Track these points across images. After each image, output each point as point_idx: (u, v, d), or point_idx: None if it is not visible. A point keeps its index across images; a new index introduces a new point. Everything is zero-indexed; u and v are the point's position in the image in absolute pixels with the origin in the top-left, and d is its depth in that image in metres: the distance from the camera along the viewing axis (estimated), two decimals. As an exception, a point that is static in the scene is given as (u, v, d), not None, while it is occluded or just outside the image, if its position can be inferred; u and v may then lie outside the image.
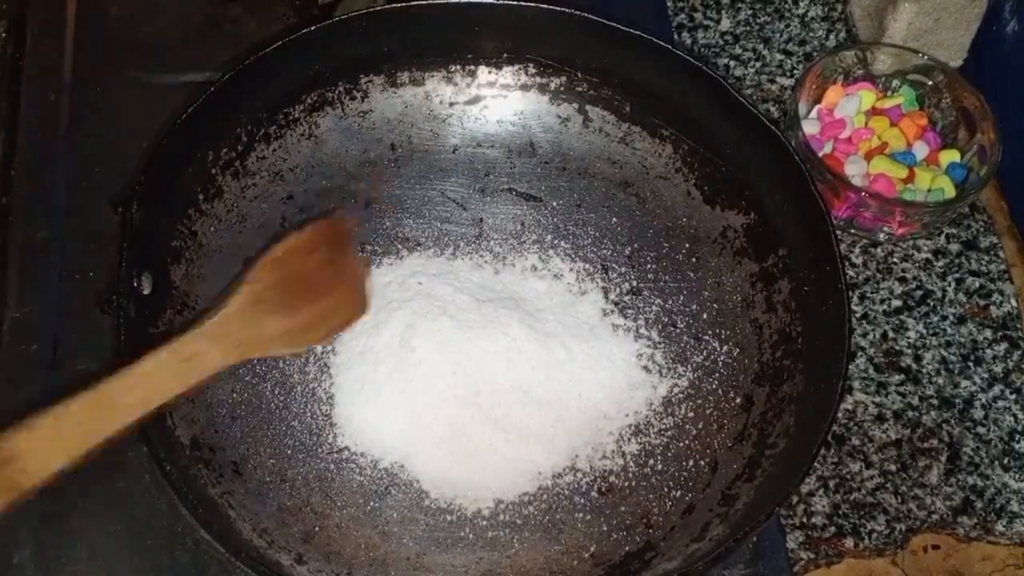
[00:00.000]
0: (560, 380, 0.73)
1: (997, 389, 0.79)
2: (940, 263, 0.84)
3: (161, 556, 0.69)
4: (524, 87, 0.82)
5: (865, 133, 0.85)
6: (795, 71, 0.92)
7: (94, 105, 0.85)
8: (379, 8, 0.80)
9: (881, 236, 0.84)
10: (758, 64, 0.93)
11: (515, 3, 0.78)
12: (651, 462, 0.72)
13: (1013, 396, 0.79)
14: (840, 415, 0.77)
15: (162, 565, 0.69)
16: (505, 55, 0.81)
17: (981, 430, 0.77)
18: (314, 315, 0.68)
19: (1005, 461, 0.76)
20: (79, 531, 0.69)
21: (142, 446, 0.63)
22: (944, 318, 0.82)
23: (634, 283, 0.77)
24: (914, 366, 0.80)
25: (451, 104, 0.82)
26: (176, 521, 0.69)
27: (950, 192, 0.82)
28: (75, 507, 0.70)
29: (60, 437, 0.56)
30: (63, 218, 0.79)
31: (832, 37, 0.94)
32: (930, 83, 0.86)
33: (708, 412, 0.73)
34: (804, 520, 0.74)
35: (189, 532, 0.68)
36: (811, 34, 0.95)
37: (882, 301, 0.82)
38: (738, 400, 0.73)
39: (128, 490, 0.70)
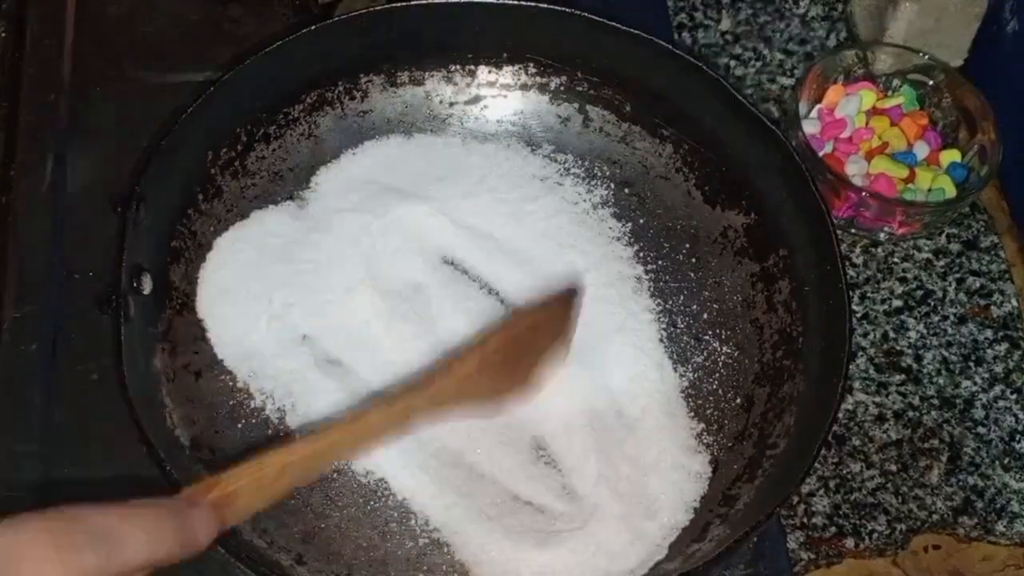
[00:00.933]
0: (559, 381, 0.73)
1: (998, 389, 0.79)
2: (941, 263, 0.84)
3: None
4: (524, 87, 0.82)
5: (865, 133, 0.85)
6: (795, 71, 0.92)
7: (94, 105, 0.85)
8: (379, 8, 0.80)
9: (882, 236, 0.84)
10: (758, 64, 0.93)
11: (515, 3, 0.78)
12: (651, 462, 0.72)
13: (1014, 396, 0.79)
14: (841, 415, 0.77)
15: (162, 565, 0.68)
16: (505, 55, 0.81)
17: (982, 430, 0.77)
18: (528, 371, 0.68)
19: (1006, 461, 0.76)
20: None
21: (142, 446, 0.62)
22: (945, 318, 0.82)
23: (634, 283, 0.77)
24: (915, 366, 0.80)
25: (451, 104, 0.82)
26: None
27: (950, 192, 0.82)
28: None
29: (277, 480, 0.54)
30: (63, 218, 0.79)
31: (832, 37, 0.94)
32: (930, 83, 0.86)
33: (708, 412, 0.73)
34: (804, 520, 0.74)
35: (189, 532, 0.68)
36: (811, 34, 0.94)
37: (883, 301, 0.82)
38: (738, 400, 0.73)
39: (128, 490, 0.70)
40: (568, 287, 0.73)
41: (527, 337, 0.67)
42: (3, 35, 0.87)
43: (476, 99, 0.82)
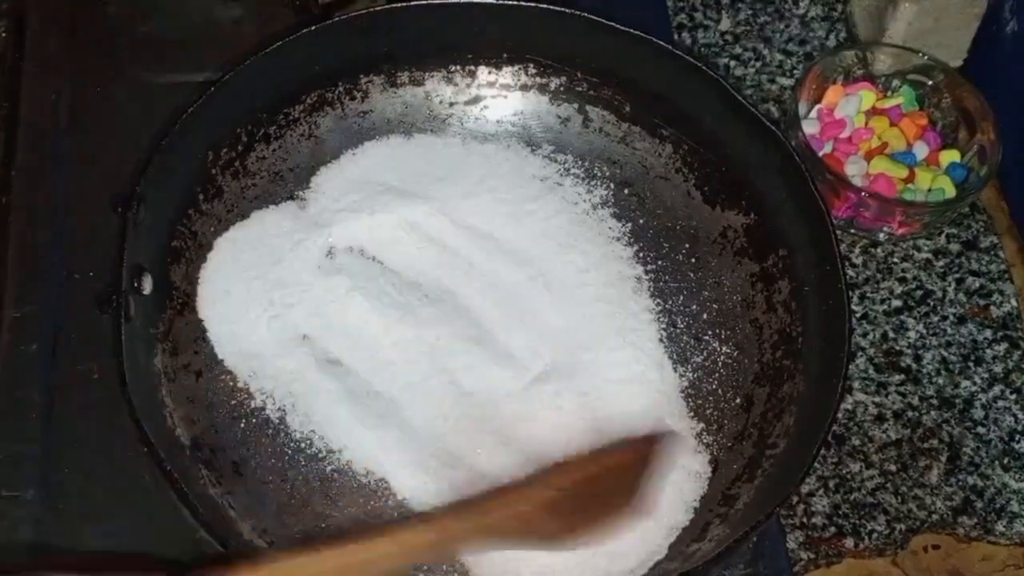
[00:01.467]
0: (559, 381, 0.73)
1: (997, 389, 0.79)
2: (940, 263, 0.84)
3: (161, 556, 0.69)
4: (524, 87, 0.82)
5: (865, 133, 0.85)
6: (795, 71, 0.92)
7: (94, 105, 0.85)
8: (379, 8, 0.80)
9: (881, 236, 0.84)
10: (758, 64, 0.93)
11: (515, 3, 0.78)
12: (651, 462, 0.72)
13: (1013, 396, 0.79)
14: (840, 415, 0.77)
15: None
16: (505, 55, 0.81)
17: (981, 430, 0.77)
18: (595, 518, 0.64)
19: (1005, 461, 0.76)
20: (79, 531, 0.69)
21: (142, 446, 0.62)
22: (944, 318, 0.82)
23: (634, 283, 0.77)
24: (914, 366, 0.80)
25: (451, 104, 0.82)
26: (176, 521, 0.69)
27: (950, 192, 0.82)
28: (75, 507, 0.70)
29: None
30: (63, 218, 0.79)
31: (832, 37, 0.94)
32: (930, 83, 0.86)
33: (708, 412, 0.73)
34: (804, 520, 0.74)
35: (189, 532, 0.68)
36: (811, 34, 0.95)
37: (882, 301, 0.82)
38: (738, 400, 0.73)
39: (128, 490, 0.70)
40: (647, 436, 0.69)
41: (598, 482, 0.64)
42: (3, 35, 0.87)
43: (476, 99, 0.82)
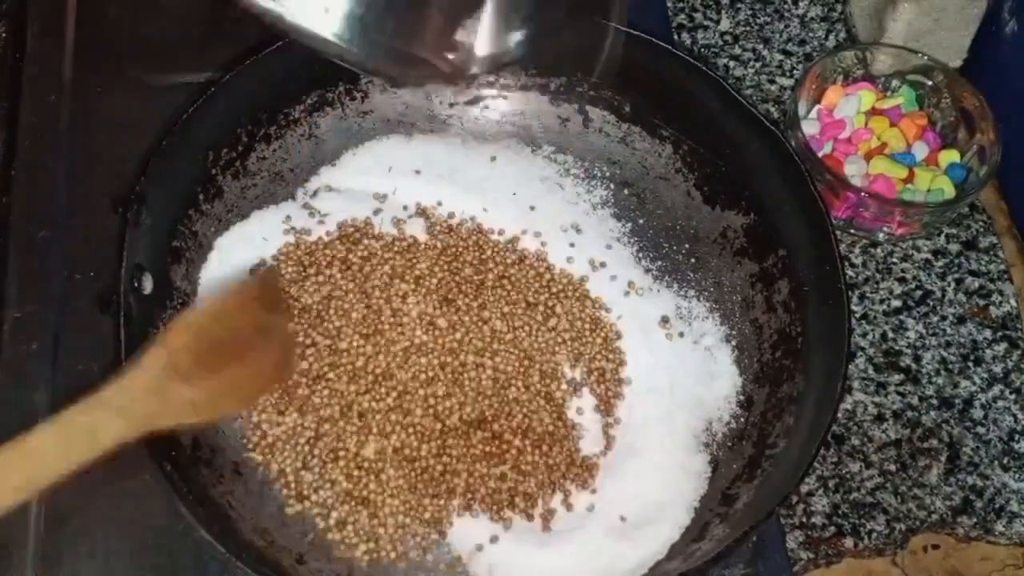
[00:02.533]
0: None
1: (997, 389, 0.79)
2: (940, 263, 0.84)
3: (161, 556, 0.69)
4: (524, 87, 0.82)
5: (865, 133, 0.85)
6: (795, 71, 0.92)
7: (94, 105, 0.85)
8: (379, 8, 0.80)
9: (881, 236, 0.84)
10: (758, 64, 0.93)
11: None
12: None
13: (1013, 396, 0.79)
14: (840, 415, 0.77)
15: (162, 565, 0.69)
16: (505, 55, 0.81)
17: (981, 430, 0.78)
18: (231, 381, 0.62)
19: (1005, 461, 0.76)
20: (79, 531, 0.69)
21: (142, 446, 0.62)
22: (944, 318, 0.82)
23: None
24: (914, 366, 0.80)
25: (451, 105, 0.82)
26: (176, 521, 0.69)
27: (950, 192, 0.82)
28: (75, 507, 0.70)
29: None
30: (63, 218, 0.79)
31: (832, 37, 0.95)
32: (930, 83, 0.86)
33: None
34: (804, 520, 0.74)
35: (189, 532, 0.68)
36: (811, 34, 0.95)
37: (882, 301, 0.82)
38: (738, 400, 0.73)
39: (128, 490, 0.70)
40: (264, 270, 0.70)
41: (219, 330, 0.62)
42: (3, 35, 0.87)
43: (476, 100, 0.82)
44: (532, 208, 0.79)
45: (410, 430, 0.70)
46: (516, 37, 0.62)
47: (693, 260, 0.78)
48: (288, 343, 0.70)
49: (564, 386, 0.73)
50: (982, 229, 0.86)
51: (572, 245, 0.78)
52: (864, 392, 0.78)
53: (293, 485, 0.68)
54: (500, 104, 0.82)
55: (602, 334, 0.75)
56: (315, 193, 0.78)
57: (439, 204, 0.79)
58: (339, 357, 0.72)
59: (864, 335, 0.81)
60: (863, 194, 0.81)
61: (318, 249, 0.76)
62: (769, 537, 0.71)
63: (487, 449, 0.70)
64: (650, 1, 0.94)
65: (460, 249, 0.77)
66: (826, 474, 0.75)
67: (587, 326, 0.75)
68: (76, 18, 0.88)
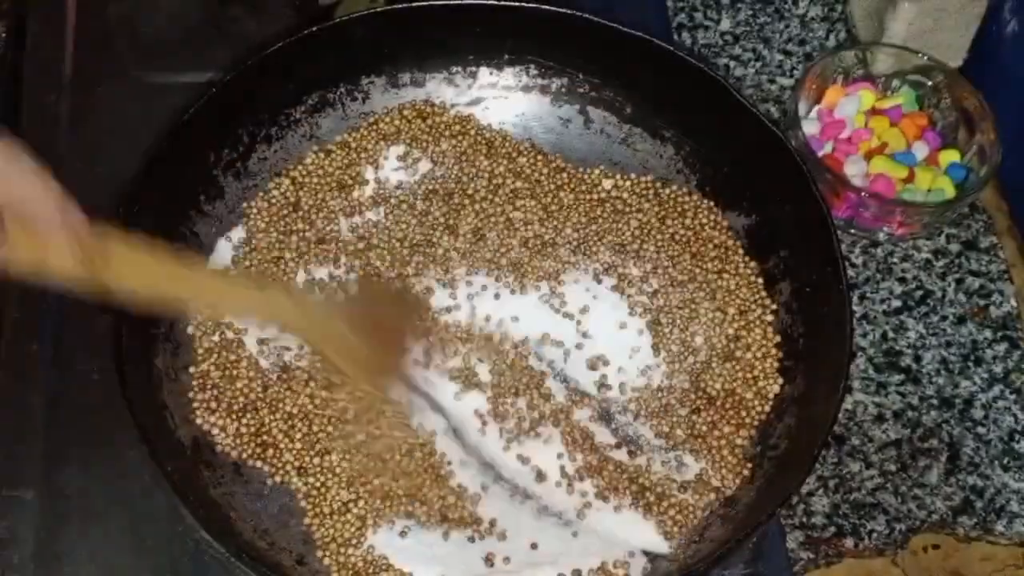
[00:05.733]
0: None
1: (997, 389, 0.79)
2: (940, 263, 0.84)
3: (161, 556, 0.69)
4: (525, 88, 0.82)
5: (865, 133, 0.85)
6: (795, 71, 0.92)
7: (94, 105, 0.85)
8: (380, 9, 0.80)
9: (881, 236, 0.84)
10: (758, 64, 0.93)
11: (516, 4, 0.78)
12: (652, 462, 0.72)
13: (1013, 396, 0.79)
14: (840, 415, 0.77)
15: (162, 565, 0.69)
16: (506, 56, 0.81)
17: (981, 430, 0.78)
18: (371, 355, 0.68)
19: (1005, 461, 0.76)
20: (79, 531, 0.69)
21: (142, 446, 0.62)
22: (944, 318, 0.82)
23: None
24: (914, 366, 0.80)
25: (452, 105, 0.82)
26: (176, 521, 0.69)
27: (950, 192, 0.82)
28: (75, 507, 0.70)
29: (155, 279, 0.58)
30: (63, 218, 0.79)
31: (832, 37, 0.94)
32: (930, 83, 0.86)
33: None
34: (804, 520, 0.74)
35: (189, 532, 0.68)
36: (811, 34, 0.95)
37: (882, 301, 0.82)
38: (739, 400, 0.73)
39: (128, 490, 0.70)
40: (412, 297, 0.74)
41: (374, 307, 0.71)
42: (3, 35, 0.87)
43: (478, 100, 0.82)
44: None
45: None
46: None
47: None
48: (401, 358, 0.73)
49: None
50: (982, 229, 0.86)
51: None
52: (864, 392, 0.78)
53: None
54: (501, 105, 0.82)
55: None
56: None
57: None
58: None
59: (864, 335, 0.81)
60: (863, 194, 0.81)
61: None
62: (769, 537, 0.72)
63: None
64: (650, 1, 0.94)
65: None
66: (826, 474, 0.75)
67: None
68: (76, 18, 0.88)
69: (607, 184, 0.79)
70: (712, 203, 0.78)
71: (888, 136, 0.85)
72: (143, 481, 0.69)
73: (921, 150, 0.84)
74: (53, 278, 0.53)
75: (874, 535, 0.74)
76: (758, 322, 0.74)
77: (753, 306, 0.74)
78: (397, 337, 0.71)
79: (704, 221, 0.77)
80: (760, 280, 0.75)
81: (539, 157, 0.79)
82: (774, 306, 0.74)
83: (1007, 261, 0.84)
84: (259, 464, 0.69)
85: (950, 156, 0.84)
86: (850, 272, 0.82)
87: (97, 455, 0.71)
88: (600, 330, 0.74)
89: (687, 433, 0.71)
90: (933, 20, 0.87)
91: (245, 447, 0.69)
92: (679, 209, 0.78)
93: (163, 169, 0.71)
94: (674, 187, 0.79)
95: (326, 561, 0.66)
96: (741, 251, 0.76)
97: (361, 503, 0.67)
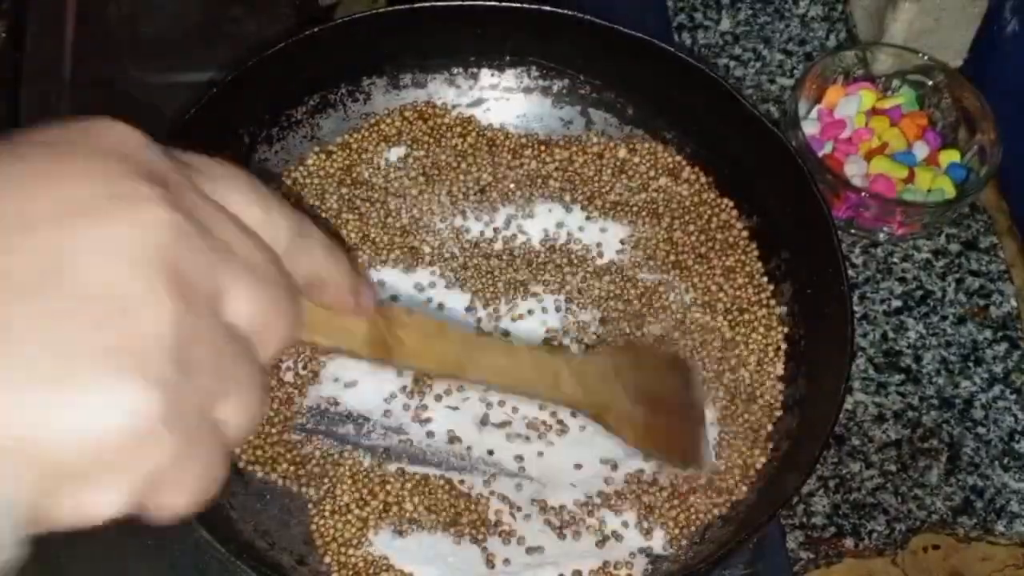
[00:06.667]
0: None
1: (997, 389, 0.79)
2: (940, 263, 0.84)
3: (161, 556, 0.69)
4: (527, 90, 0.82)
5: (865, 133, 0.85)
6: (795, 71, 0.92)
7: (94, 105, 0.84)
8: (381, 10, 0.80)
9: (881, 236, 0.84)
10: (758, 64, 0.93)
11: (517, 5, 0.77)
12: (652, 463, 0.72)
13: (1013, 396, 0.79)
14: (840, 415, 0.77)
15: (162, 565, 0.69)
16: (507, 57, 0.81)
17: (981, 430, 0.78)
18: (652, 427, 0.65)
19: (1005, 461, 0.76)
20: (79, 531, 0.69)
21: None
22: (944, 318, 0.82)
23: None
24: (914, 366, 0.80)
25: (453, 107, 0.82)
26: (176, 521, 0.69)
27: (950, 192, 0.82)
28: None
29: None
30: (64, 218, 0.79)
31: (832, 37, 0.94)
32: (930, 83, 0.86)
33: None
34: (804, 520, 0.74)
35: (189, 532, 0.68)
36: (811, 34, 0.95)
37: (882, 301, 0.82)
38: (739, 401, 0.73)
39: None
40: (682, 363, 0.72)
41: (651, 370, 0.67)
42: (3, 35, 0.87)
43: (479, 101, 0.82)
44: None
45: None
46: None
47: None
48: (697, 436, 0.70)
49: None
50: (982, 229, 0.86)
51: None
52: (864, 392, 0.79)
53: None
54: (502, 106, 0.82)
55: None
56: None
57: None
58: None
59: (864, 335, 0.81)
60: (863, 194, 0.81)
61: None
62: (769, 537, 0.72)
63: None
64: (650, 1, 0.94)
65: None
66: (826, 474, 0.75)
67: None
68: (76, 18, 0.88)
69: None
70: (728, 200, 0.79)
71: (888, 136, 0.85)
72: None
73: (921, 150, 0.84)
74: (347, 354, 0.51)
75: (874, 535, 0.74)
76: (761, 326, 0.74)
77: (755, 307, 0.75)
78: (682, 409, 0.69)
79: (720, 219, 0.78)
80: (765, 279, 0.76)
81: (542, 148, 0.79)
82: (779, 310, 0.74)
83: (1007, 261, 0.84)
84: (258, 469, 0.69)
85: (950, 156, 0.84)
86: (850, 272, 0.82)
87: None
88: None
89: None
90: (933, 20, 0.87)
91: (245, 450, 0.69)
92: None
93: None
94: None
95: (327, 560, 0.66)
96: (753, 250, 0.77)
97: (367, 509, 0.68)
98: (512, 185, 0.78)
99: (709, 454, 0.69)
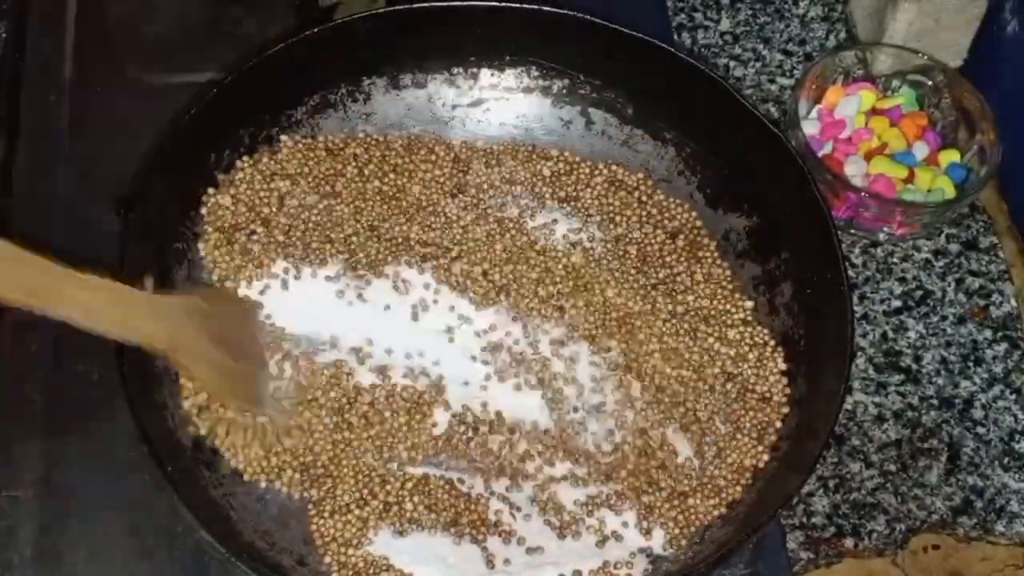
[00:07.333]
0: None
1: (997, 389, 0.79)
2: (940, 263, 0.84)
3: (161, 556, 0.69)
4: (527, 90, 0.82)
5: (865, 133, 0.85)
6: (795, 71, 0.92)
7: (94, 105, 0.84)
8: (381, 10, 0.80)
9: (881, 236, 0.84)
10: (758, 64, 0.93)
11: (517, 5, 0.77)
12: (652, 463, 0.72)
13: (1013, 396, 0.79)
14: (840, 415, 0.77)
15: (162, 565, 0.69)
16: (507, 57, 0.81)
17: (981, 430, 0.78)
18: (238, 373, 0.68)
19: (1005, 461, 0.77)
20: (79, 531, 0.69)
21: (142, 446, 0.62)
22: (944, 318, 0.82)
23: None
24: (914, 366, 0.80)
25: (454, 107, 0.82)
26: (176, 521, 0.69)
27: (950, 192, 0.82)
28: (75, 507, 0.70)
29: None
30: (63, 218, 0.79)
31: (832, 37, 0.94)
32: (930, 83, 0.86)
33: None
34: (804, 520, 0.74)
35: (189, 532, 0.68)
36: (811, 34, 0.95)
37: (882, 301, 0.82)
38: (740, 401, 0.73)
39: (128, 490, 0.70)
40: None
41: (225, 318, 0.69)
42: (3, 35, 0.87)
43: (479, 102, 0.82)
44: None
45: None
46: None
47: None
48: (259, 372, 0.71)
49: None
50: (982, 229, 0.86)
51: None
52: (864, 392, 0.79)
53: None
54: (502, 106, 0.82)
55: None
56: None
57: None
58: None
59: (864, 335, 0.81)
60: (863, 194, 0.81)
61: None
62: (769, 537, 0.72)
63: None
64: (650, 1, 0.94)
65: None
66: (826, 474, 0.75)
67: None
68: (76, 18, 0.88)
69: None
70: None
71: (888, 136, 0.85)
72: (143, 481, 0.69)
73: (921, 150, 0.84)
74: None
75: (874, 535, 0.74)
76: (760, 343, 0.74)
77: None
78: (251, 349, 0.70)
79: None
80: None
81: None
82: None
83: (1007, 261, 0.84)
84: (262, 478, 0.69)
85: (950, 156, 0.84)
86: (850, 272, 0.82)
87: (97, 455, 0.71)
88: None
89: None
90: (933, 20, 0.87)
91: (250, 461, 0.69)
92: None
93: (163, 169, 0.71)
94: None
95: (327, 561, 0.66)
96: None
97: (367, 509, 0.68)
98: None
99: (267, 399, 0.69)
